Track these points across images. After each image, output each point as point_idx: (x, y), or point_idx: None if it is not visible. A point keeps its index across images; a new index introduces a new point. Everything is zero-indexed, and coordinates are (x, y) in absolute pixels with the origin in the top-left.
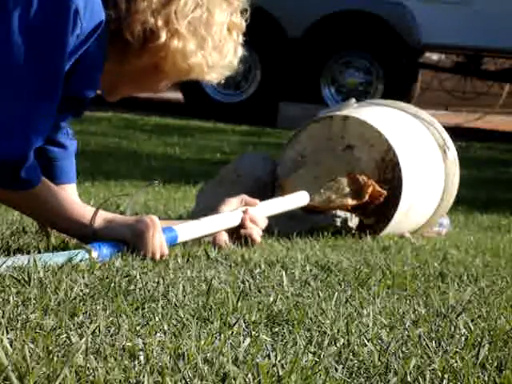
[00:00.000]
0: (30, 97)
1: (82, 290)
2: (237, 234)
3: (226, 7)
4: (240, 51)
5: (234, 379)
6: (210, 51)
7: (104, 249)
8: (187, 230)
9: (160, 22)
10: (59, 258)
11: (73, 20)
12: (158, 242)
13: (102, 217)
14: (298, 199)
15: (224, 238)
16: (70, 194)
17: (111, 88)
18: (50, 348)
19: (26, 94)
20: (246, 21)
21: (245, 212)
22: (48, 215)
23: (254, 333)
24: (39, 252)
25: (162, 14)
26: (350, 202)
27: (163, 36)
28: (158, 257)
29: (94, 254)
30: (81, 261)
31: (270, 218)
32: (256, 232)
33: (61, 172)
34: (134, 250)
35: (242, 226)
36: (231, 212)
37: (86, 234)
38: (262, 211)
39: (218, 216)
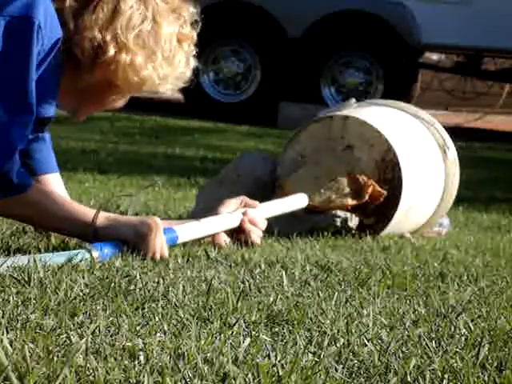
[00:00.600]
0: (7, 110)
1: (82, 290)
2: (236, 235)
3: (173, 19)
4: (193, 62)
5: (234, 379)
6: (160, 63)
7: (105, 249)
8: (187, 231)
9: (108, 37)
10: (59, 258)
11: (36, 36)
12: (159, 244)
13: (104, 216)
14: (296, 201)
15: (223, 238)
16: (56, 184)
17: (76, 107)
18: (50, 348)
19: (3, 109)
20: (196, 33)
21: (244, 214)
22: (47, 219)
23: (254, 333)
24: (39, 252)
25: (109, 30)
26: (350, 202)
27: (111, 50)
28: (157, 258)
29: (95, 254)
30: (81, 261)
31: (270, 218)
32: (256, 234)
33: (41, 163)
34: (135, 249)
35: (240, 228)
36: (231, 213)
37: (88, 233)
38: (262, 213)
39: (218, 217)
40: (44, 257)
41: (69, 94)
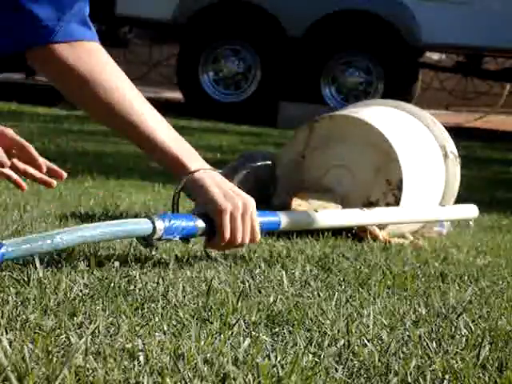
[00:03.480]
0: None
1: (81, 291)
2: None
3: None
4: None
5: (234, 380)
6: None
7: (174, 221)
8: (291, 218)
9: None
10: (118, 230)
11: None
12: (247, 225)
13: (201, 172)
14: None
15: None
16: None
17: None
18: (50, 348)
19: None
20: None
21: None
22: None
23: (253, 333)
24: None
25: None
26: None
27: None
28: (239, 241)
29: (160, 226)
30: (142, 238)
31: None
32: None
33: None
34: (209, 232)
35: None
36: (350, 210)
37: (178, 174)
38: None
39: (338, 211)
40: (102, 227)
41: None
